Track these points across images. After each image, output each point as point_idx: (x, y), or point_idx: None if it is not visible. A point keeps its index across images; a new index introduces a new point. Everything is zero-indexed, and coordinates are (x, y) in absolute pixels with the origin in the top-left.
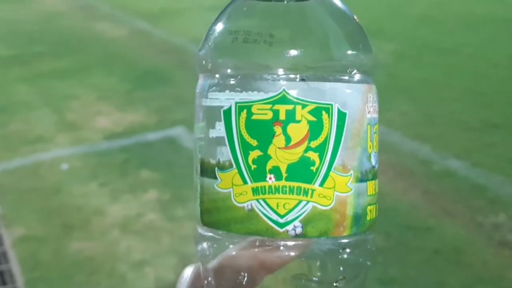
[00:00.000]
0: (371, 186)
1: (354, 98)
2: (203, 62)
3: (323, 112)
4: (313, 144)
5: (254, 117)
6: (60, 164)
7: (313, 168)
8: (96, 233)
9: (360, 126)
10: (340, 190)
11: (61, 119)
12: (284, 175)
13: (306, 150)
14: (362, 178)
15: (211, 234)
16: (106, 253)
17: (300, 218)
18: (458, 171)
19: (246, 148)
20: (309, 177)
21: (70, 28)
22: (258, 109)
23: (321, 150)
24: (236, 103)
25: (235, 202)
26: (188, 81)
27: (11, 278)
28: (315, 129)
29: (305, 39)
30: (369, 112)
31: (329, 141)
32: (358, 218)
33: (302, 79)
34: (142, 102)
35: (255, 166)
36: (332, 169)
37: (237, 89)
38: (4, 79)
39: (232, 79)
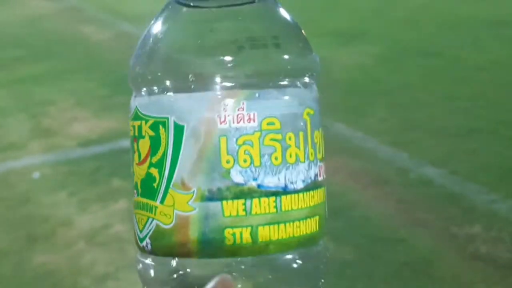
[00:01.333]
0: (233, 206)
1: (194, 109)
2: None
3: (160, 126)
4: (154, 159)
5: (130, 134)
6: (31, 172)
7: (155, 185)
8: (60, 245)
9: (207, 139)
10: (180, 209)
11: (36, 125)
12: (140, 190)
13: (149, 166)
14: (213, 197)
15: None
16: (69, 266)
17: (149, 235)
18: (434, 179)
19: (132, 164)
20: (152, 194)
21: (54, 32)
22: (130, 126)
23: (159, 166)
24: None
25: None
26: None
27: None
28: (154, 144)
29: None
30: (223, 122)
31: (166, 156)
32: (207, 241)
33: (148, 93)
34: (119, 107)
35: (133, 182)
36: (171, 186)
37: None
38: None
39: None
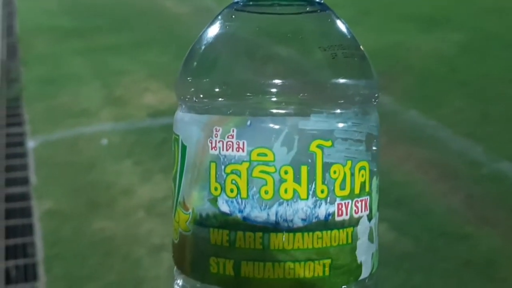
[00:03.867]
0: (218, 235)
1: (193, 130)
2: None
3: (175, 143)
4: (172, 174)
5: None
6: (99, 139)
7: (173, 199)
8: (120, 213)
9: (200, 162)
10: (182, 228)
11: (109, 94)
12: None
13: (172, 179)
14: (202, 222)
15: None
16: (126, 235)
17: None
18: (508, 176)
19: None
20: (173, 207)
21: (134, 3)
22: None
23: (174, 181)
24: None
25: None
26: None
27: (32, 251)
28: (173, 159)
29: None
30: (213, 148)
31: (177, 173)
32: (196, 265)
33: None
34: None
35: None
36: (178, 203)
37: None
38: (61, 51)
39: None
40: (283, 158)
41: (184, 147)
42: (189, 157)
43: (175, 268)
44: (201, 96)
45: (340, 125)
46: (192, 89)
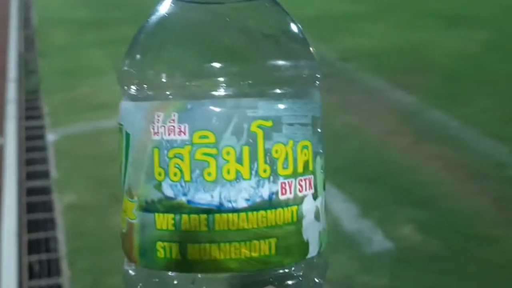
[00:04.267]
0: (164, 220)
1: (136, 118)
2: None
3: (120, 132)
4: (119, 164)
5: None
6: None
7: (120, 189)
8: None
9: (143, 149)
10: (129, 216)
11: None
12: None
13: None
14: (148, 208)
15: None
16: None
17: None
18: None
19: None
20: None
21: None
22: None
23: (121, 170)
24: None
25: None
26: None
27: (55, 246)
28: (119, 148)
29: None
30: (156, 133)
31: (122, 162)
32: (144, 251)
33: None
34: None
35: None
36: (124, 191)
37: None
38: (80, 43)
39: None
40: (224, 139)
41: (128, 136)
42: (133, 145)
43: (125, 259)
44: (144, 85)
45: (281, 106)
46: (134, 80)
